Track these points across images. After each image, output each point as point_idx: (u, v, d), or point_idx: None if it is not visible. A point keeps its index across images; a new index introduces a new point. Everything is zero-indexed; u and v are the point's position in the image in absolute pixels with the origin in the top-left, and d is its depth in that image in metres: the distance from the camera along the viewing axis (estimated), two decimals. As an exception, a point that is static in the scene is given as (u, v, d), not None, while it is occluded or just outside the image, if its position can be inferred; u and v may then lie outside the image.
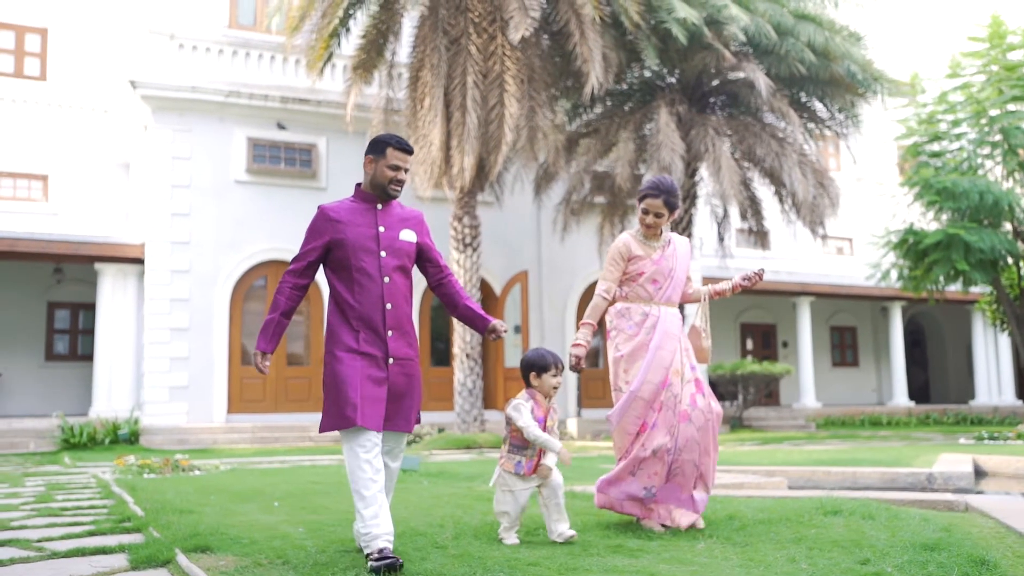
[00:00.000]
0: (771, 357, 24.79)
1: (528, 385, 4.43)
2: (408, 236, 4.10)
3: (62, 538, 4.74)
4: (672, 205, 4.71)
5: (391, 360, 3.94)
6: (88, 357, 17.48)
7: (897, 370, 24.03)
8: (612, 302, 4.85)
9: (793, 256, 24.13)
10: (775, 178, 14.76)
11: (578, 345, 4.67)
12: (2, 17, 18.76)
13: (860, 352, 26.69)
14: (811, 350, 22.59)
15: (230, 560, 3.91)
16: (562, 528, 4.24)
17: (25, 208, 18.14)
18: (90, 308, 17.63)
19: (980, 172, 17.13)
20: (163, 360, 15.64)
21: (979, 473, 9.55)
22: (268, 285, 16.53)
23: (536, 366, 4.40)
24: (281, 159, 17.04)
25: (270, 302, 3.96)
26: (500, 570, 3.53)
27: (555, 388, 4.40)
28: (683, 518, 4.55)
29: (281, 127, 16.98)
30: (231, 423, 15.84)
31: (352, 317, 3.93)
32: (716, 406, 4.70)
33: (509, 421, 4.34)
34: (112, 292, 16.25)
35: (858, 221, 25.64)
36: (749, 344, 25.15)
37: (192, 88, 16.16)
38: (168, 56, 16.41)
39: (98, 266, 16.17)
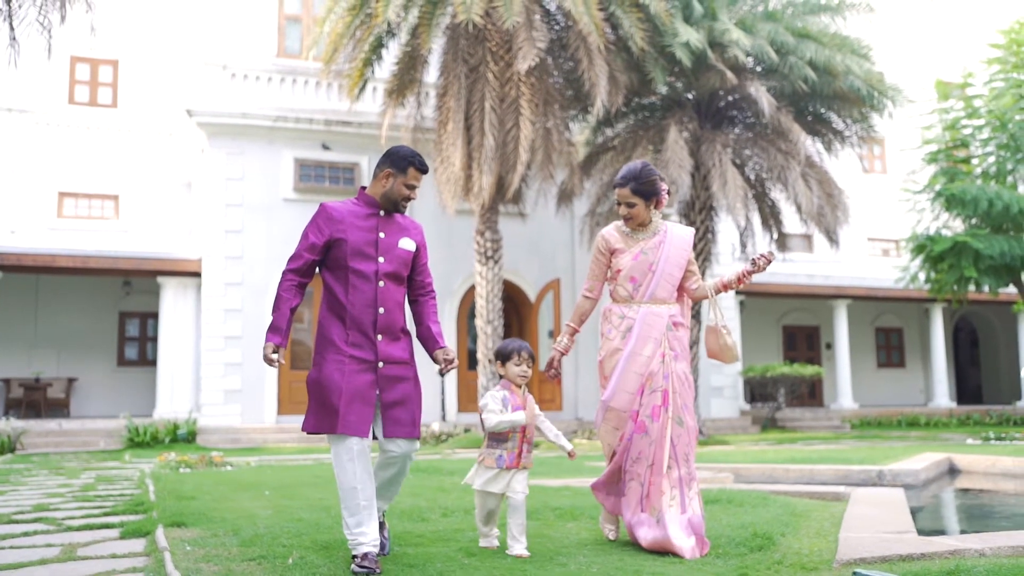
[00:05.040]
0: (815, 359, 25.23)
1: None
2: (407, 245, 4.17)
3: (82, 517, 5.88)
4: (642, 192, 4.43)
5: (381, 364, 3.99)
6: (155, 362, 18.99)
7: (938, 371, 24.20)
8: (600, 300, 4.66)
9: (834, 259, 24.49)
10: (787, 190, 15.42)
11: (554, 349, 4.58)
12: (80, 52, 20.43)
13: (907, 353, 26.84)
14: (848, 352, 22.96)
15: (195, 532, 4.97)
16: (518, 549, 4.19)
17: (99, 226, 19.76)
18: (158, 316, 19.14)
19: (1009, 179, 17.44)
20: (218, 366, 17.03)
21: (954, 471, 10.15)
22: (314, 296, 17.77)
23: (500, 355, 4.40)
24: (326, 178, 18.32)
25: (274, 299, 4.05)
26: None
27: (521, 376, 4.34)
28: (644, 537, 4.22)
29: (326, 148, 18.24)
30: (281, 424, 17.13)
31: (343, 318, 4.00)
32: (690, 421, 4.33)
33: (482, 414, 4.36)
34: (173, 303, 17.75)
35: (905, 223, 25.80)
36: (792, 346, 25.58)
37: (243, 114, 17.52)
38: (221, 85, 17.82)
39: (160, 279, 17.69)
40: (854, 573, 2.73)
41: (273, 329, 3.97)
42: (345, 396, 3.88)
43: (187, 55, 20.45)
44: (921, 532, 5.05)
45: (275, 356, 3.94)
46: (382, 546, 4.18)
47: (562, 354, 4.55)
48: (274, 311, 4.02)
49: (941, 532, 5.42)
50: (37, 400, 18.18)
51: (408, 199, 4.16)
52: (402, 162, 4.13)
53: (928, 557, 3.68)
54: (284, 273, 4.07)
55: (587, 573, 3.70)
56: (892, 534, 4.25)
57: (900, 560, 3.66)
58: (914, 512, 6.47)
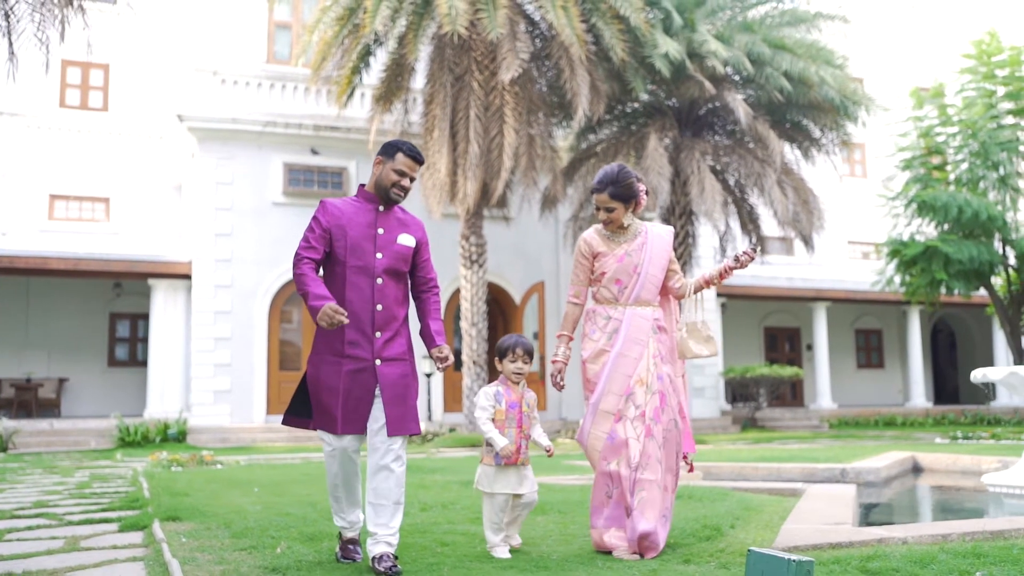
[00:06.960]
0: (796, 360, 25.72)
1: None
2: (406, 240, 4.13)
3: (81, 512, 6.23)
4: (620, 195, 4.38)
5: (379, 361, 3.98)
6: (146, 363, 19.30)
7: (915, 372, 24.72)
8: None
9: (814, 262, 24.95)
10: (764, 196, 15.86)
11: (555, 362, 4.49)
12: (70, 55, 20.69)
13: (885, 354, 27.36)
14: (827, 353, 23.43)
15: (189, 525, 5.33)
16: (514, 540, 4.41)
17: (90, 228, 20.06)
18: (148, 318, 19.46)
19: (981, 186, 17.95)
20: (208, 367, 17.36)
21: (917, 469, 10.59)
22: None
23: (498, 351, 4.43)
24: (315, 182, 18.66)
25: (304, 288, 3.95)
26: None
27: (516, 373, 4.36)
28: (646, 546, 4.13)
29: (314, 152, 18.58)
30: (269, 423, 17.47)
31: None
32: (682, 423, 4.40)
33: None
34: (164, 305, 18.07)
35: (883, 227, 26.28)
36: (774, 347, 26.05)
37: (233, 119, 17.85)
38: (211, 90, 18.14)
39: (151, 282, 18.00)
40: (749, 551, 3.09)
41: (318, 297, 3.85)
42: (341, 396, 3.95)
43: (178, 60, 20.75)
44: (871, 524, 5.46)
45: (339, 312, 3.80)
46: (382, 556, 3.87)
47: (564, 364, 4.49)
48: (308, 286, 3.91)
49: (889, 524, 5.81)
50: (28, 400, 18.47)
51: (399, 187, 4.11)
52: (391, 148, 4.13)
53: (855, 545, 4.07)
54: (302, 260, 3.99)
55: (547, 560, 4.08)
56: (830, 525, 4.63)
57: (830, 547, 4.04)
58: (870, 507, 6.92)
